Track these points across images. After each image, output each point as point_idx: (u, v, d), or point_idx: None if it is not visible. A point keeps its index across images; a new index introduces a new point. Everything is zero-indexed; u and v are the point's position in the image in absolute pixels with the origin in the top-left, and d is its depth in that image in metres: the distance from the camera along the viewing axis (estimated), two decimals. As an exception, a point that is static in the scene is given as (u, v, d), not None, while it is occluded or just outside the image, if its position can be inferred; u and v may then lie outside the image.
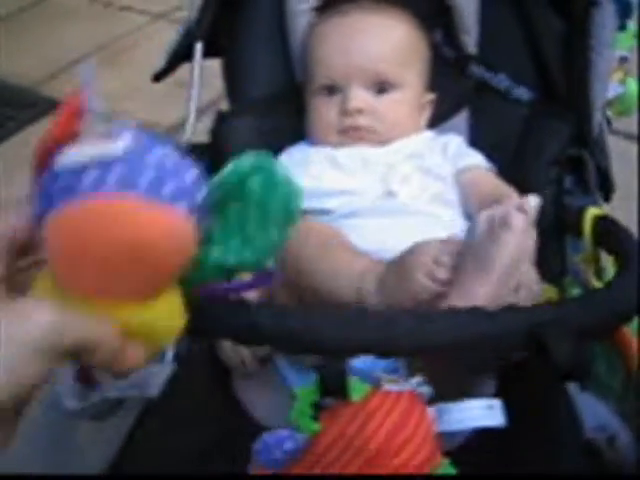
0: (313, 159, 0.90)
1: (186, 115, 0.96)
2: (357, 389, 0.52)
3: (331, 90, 0.90)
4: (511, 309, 0.50)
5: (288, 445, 0.53)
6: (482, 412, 0.57)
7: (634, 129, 1.51)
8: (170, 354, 0.83)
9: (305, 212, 0.88)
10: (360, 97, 0.87)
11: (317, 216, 0.87)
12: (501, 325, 0.48)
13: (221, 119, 0.95)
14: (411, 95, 0.90)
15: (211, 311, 0.50)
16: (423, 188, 0.86)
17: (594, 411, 0.71)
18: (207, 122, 1.30)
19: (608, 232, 0.74)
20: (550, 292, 0.81)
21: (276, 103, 0.98)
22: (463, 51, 0.97)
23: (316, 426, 0.52)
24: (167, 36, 1.99)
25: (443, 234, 0.84)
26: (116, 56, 1.96)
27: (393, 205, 0.84)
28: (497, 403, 0.57)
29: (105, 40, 2.05)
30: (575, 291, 0.84)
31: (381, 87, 0.88)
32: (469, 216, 0.87)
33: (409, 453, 0.54)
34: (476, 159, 0.91)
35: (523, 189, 0.85)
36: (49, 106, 1.74)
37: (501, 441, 0.61)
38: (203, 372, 0.84)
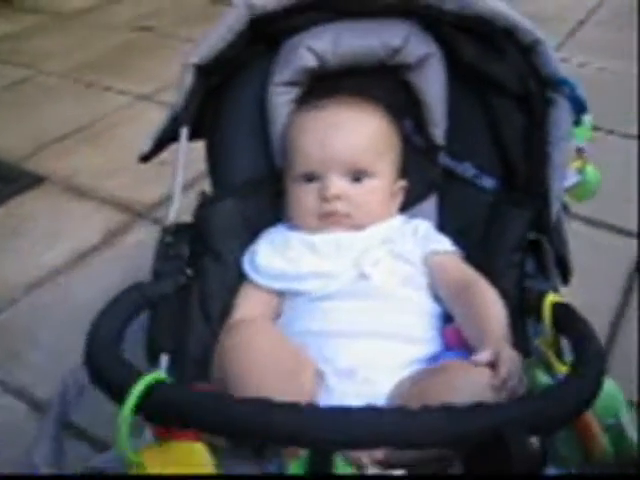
0: (291, 243, 0.95)
1: (170, 196, 0.99)
2: (341, 469, 0.56)
3: (309, 178, 0.95)
4: (477, 408, 0.55)
5: None
6: None
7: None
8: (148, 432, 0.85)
9: (282, 293, 0.94)
10: (337, 185, 0.93)
11: (293, 297, 0.92)
12: (467, 424, 0.53)
13: (204, 202, 1.00)
14: (385, 183, 0.97)
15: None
16: (394, 271, 0.92)
17: None
18: (190, 199, 1.35)
19: (565, 318, 0.79)
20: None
21: (257, 187, 1.04)
22: (432, 142, 1.03)
23: None
24: (149, 116, 2.09)
25: (413, 316, 0.89)
26: (99, 134, 2.02)
27: (366, 287, 0.89)
28: None
29: (88, 119, 2.11)
30: (539, 371, 0.88)
31: (356, 176, 0.94)
32: (437, 298, 0.93)
33: None
34: (444, 244, 0.97)
35: (488, 273, 0.92)
36: (32, 180, 1.78)
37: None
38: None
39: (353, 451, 0.61)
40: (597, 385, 0.62)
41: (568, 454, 0.77)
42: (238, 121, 1.05)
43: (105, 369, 0.66)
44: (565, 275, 0.94)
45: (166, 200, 1.63)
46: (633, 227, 1.56)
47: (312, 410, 0.53)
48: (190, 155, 1.41)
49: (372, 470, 0.57)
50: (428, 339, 0.88)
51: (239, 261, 0.96)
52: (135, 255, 1.50)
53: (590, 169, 1.12)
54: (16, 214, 1.68)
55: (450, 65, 1.02)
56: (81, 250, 1.54)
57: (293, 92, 1.03)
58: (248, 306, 0.92)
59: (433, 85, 1.02)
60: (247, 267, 0.96)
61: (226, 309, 0.93)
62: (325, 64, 1.01)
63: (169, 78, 2.33)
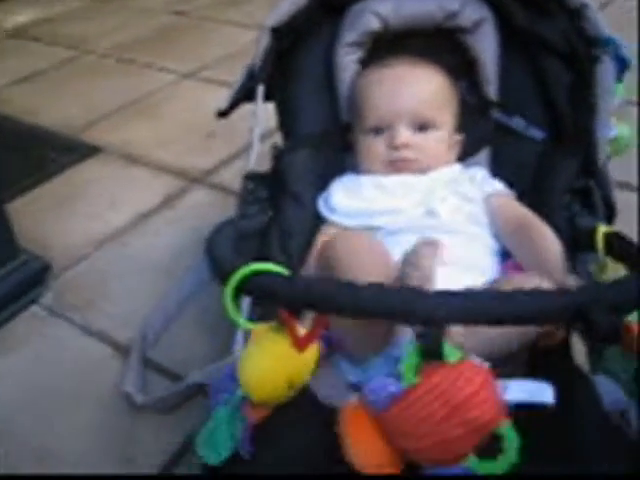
0: (364, 185, 1.05)
1: (250, 145, 1.09)
2: (452, 354, 0.64)
3: (378, 129, 1.05)
4: (562, 291, 0.65)
5: (391, 389, 0.64)
6: (537, 389, 0.71)
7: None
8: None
9: (357, 229, 1.04)
10: (405, 134, 1.03)
11: (368, 232, 1.02)
12: (556, 303, 0.63)
13: (280, 152, 1.10)
14: (445, 134, 1.06)
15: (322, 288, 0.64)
16: (459, 209, 1.01)
17: (607, 389, 0.82)
18: (239, 166, 1.42)
19: (618, 246, 0.88)
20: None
21: (324, 140, 1.14)
22: (485, 98, 1.13)
23: (417, 379, 0.63)
24: (194, 93, 2.20)
25: (478, 250, 0.99)
26: (147, 110, 2.12)
27: (434, 223, 0.99)
28: (548, 385, 0.68)
29: (135, 95, 2.21)
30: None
31: (421, 126, 1.04)
32: (496, 235, 1.03)
33: (486, 409, 0.66)
34: (499, 186, 1.07)
35: (541, 212, 1.01)
36: (89, 150, 1.88)
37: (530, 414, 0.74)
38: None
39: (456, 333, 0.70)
40: None
41: (618, 369, 0.86)
42: (306, 80, 1.15)
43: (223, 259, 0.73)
44: (610, 215, 1.03)
45: (220, 167, 1.77)
46: None
47: (420, 290, 0.64)
48: (237, 129, 1.51)
49: (474, 358, 0.66)
50: (492, 271, 0.97)
51: (315, 203, 1.07)
52: (194, 216, 1.60)
53: (625, 126, 1.22)
54: (77, 181, 1.78)
55: (502, 28, 1.12)
56: (143, 211, 1.64)
57: (358, 52, 1.13)
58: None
59: (487, 46, 1.11)
60: (322, 208, 1.06)
61: (304, 247, 1.03)
62: (388, 27, 1.11)
63: (209, 57, 2.45)
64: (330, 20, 1.14)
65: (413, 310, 0.61)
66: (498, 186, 1.06)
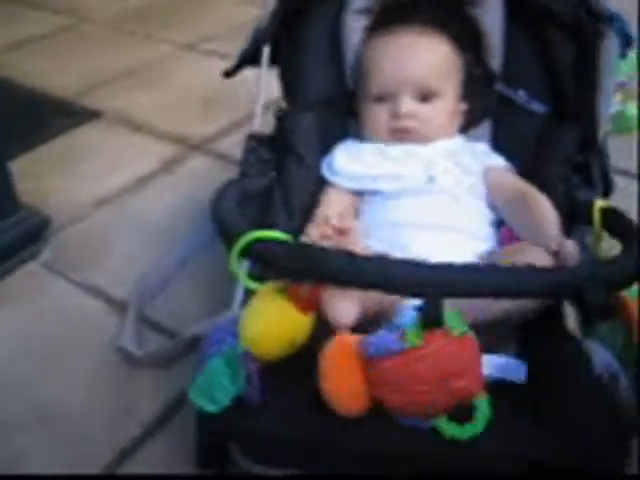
0: (366, 151, 1.07)
1: (255, 105, 1.09)
2: (457, 325, 0.67)
3: (382, 98, 1.07)
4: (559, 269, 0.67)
5: (394, 346, 0.67)
6: (510, 367, 0.76)
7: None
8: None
9: (360, 193, 1.05)
10: (408, 104, 1.05)
11: (370, 195, 1.04)
12: (551, 280, 0.66)
13: (284, 113, 1.11)
14: (449, 103, 1.08)
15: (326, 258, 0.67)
16: (459, 179, 1.03)
17: (599, 354, 0.84)
18: (238, 135, 1.41)
19: (613, 221, 0.89)
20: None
21: (329, 105, 1.15)
22: (489, 70, 1.15)
23: (419, 341, 0.66)
24: (195, 63, 2.20)
25: (475, 217, 1.01)
26: (147, 78, 2.12)
27: (435, 188, 1.01)
28: (521, 363, 0.76)
29: (135, 64, 2.21)
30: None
31: (425, 96, 1.05)
32: (493, 207, 1.05)
33: (472, 382, 0.69)
34: (499, 160, 1.08)
35: (540, 185, 1.03)
36: (89, 115, 1.89)
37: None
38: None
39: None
40: None
41: (610, 337, 0.89)
42: (313, 46, 1.15)
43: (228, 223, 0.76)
44: (607, 190, 1.05)
45: (220, 135, 1.77)
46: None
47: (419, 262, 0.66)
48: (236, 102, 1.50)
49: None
50: (488, 238, 0.99)
51: (319, 165, 1.08)
52: (193, 181, 1.61)
53: (630, 105, 1.24)
54: (78, 143, 1.79)
55: (509, 1, 1.13)
56: (142, 175, 1.64)
57: (366, 20, 1.13)
58: (329, 204, 1.03)
59: (493, 18, 1.12)
60: (326, 171, 1.08)
61: (306, 207, 1.04)
62: (395, -6, 1.12)
63: (208, 30, 2.45)
64: (338, -14, 1.15)
65: (414, 282, 0.64)
66: (498, 159, 1.08)
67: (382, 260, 0.67)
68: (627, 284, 0.73)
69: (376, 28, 1.13)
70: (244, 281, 0.74)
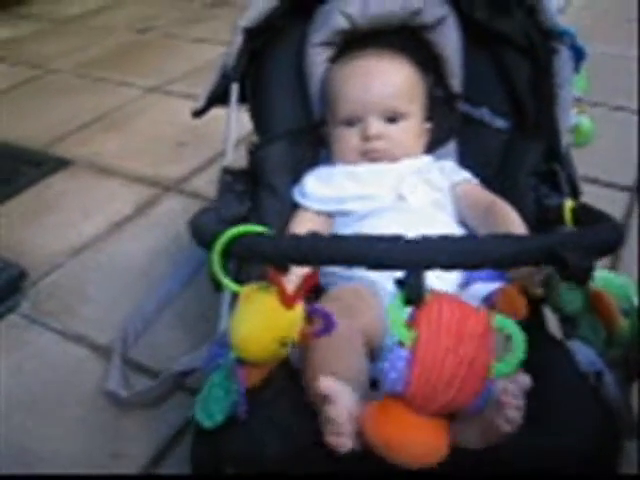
0: (336, 174, 1.09)
1: (226, 138, 1.10)
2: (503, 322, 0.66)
3: (350, 122, 1.09)
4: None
5: (399, 363, 0.64)
6: None
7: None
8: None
9: (331, 215, 1.07)
10: (376, 126, 1.07)
11: (341, 217, 1.06)
12: (531, 244, 0.67)
13: (256, 147, 1.13)
14: (415, 123, 1.11)
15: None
16: (428, 196, 1.06)
17: (583, 353, 0.85)
18: (211, 173, 1.42)
19: (585, 215, 0.91)
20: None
21: (300, 136, 1.17)
22: (451, 91, 1.18)
23: (411, 333, 0.63)
24: (161, 106, 2.22)
25: (442, 231, 1.03)
26: (115, 123, 2.13)
27: (404, 206, 1.03)
28: None
29: (102, 110, 2.22)
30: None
31: (392, 117, 1.08)
32: (462, 222, 1.07)
33: (476, 341, 0.65)
34: (467, 175, 1.11)
35: (508, 196, 1.06)
36: (58, 164, 1.89)
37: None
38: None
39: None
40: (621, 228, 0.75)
41: (591, 335, 0.90)
42: (279, 80, 1.19)
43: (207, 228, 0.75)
44: (575, 195, 1.08)
45: (192, 175, 1.79)
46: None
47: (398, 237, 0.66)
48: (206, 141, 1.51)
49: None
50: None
51: (291, 195, 1.10)
52: (168, 222, 1.62)
53: (585, 117, 1.28)
54: (48, 193, 1.79)
55: (463, 24, 1.17)
56: (116, 220, 1.65)
57: (328, 51, 1.17)
58: (299, 226, 1.05)
59: (450, 41, 1.16)
60: (297, 196, 1.10)
61: (282, 236, 1.06)
62: (356, 26, 1.15)
63: (173, 72, 2.48)
64: (300, 21, 1.18)
65: (395, 256, 0.64)
66: (465, 175, 1.11)
67: (363, 239, 0.67)
68: (604, 251, 0.71)
69: (337, 58, 1.16)
70: (226, 283, 0.72)
